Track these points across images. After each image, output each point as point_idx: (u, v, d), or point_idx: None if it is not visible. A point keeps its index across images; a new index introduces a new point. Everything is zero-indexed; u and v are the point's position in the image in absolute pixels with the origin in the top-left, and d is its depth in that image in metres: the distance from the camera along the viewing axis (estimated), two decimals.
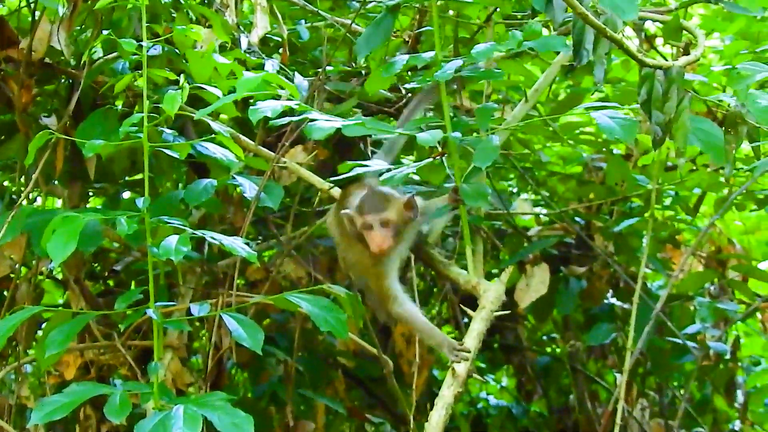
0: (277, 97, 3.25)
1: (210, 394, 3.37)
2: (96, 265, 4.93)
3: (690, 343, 4.91)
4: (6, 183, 4.66)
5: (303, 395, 4.65)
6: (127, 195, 4.80)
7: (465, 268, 3.55)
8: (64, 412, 3.11)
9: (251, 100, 3.31)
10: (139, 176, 4.75)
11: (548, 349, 6.08)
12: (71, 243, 2.93)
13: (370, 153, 4.53)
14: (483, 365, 6.35)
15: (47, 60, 4.10)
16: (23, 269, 4.46)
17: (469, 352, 3.26)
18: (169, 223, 3.20)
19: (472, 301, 3.51)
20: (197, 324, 4.39)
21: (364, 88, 4.15)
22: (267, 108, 3.20)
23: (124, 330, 3.97)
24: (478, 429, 6.31)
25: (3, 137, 4.43)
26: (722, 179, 4.70)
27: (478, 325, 3.42)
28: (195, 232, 3.14)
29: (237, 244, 3.18)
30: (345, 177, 3.52)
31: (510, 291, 4.29)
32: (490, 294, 3.46)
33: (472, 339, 3.39)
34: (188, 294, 4.19)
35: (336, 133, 3.72)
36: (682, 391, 5.24)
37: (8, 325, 3.26)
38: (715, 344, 4.83)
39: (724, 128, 3.48)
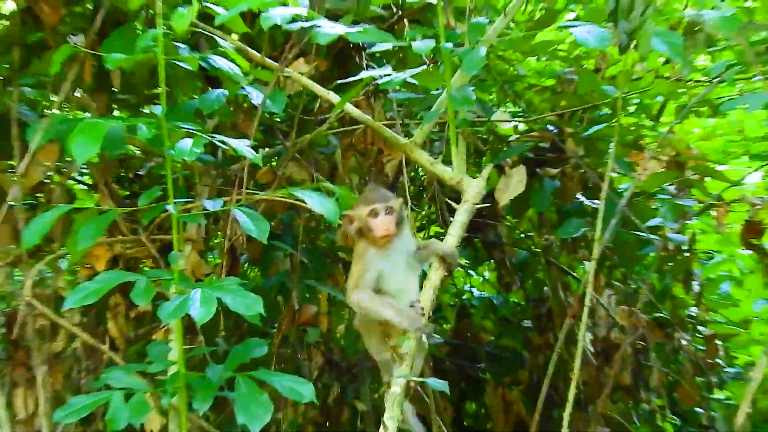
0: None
1: (224, 279, 3.37)
2: (122, 171, 4.90)
3: (652, 236, 4.93)
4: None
5: (307, 285, 4.66)
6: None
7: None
8: (96, 296, 3.11)
9: (259, 17, 3.30)
10: (158, 90, 4.76)
11: (525, 245, 6.07)
12: (94, 145, 2.94)
13: (365, 65, 4.53)
14: (467, 261, 6.39)
15: None
16: (56, 176, 4.46)
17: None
18: (184, 127, 3.19)
19: (457, 202, 3.52)
20: (212, 225, 4.38)
21: (360, 6, 4.14)
22: (277, 15, 3.20)
23: (148, 224, 3.99)
24: (463, 318, 6.35)
25: (35, 55, 4.41)
26: (681, 89, 4.73)
27: (461, 217, 3.44)
28: (206, 135, 3.14)
29: (243, 147, 3.19)
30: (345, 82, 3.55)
31: (491, 193, 4.31)
32: (472, 188, 3.48)
33: (457, 227, 3.41)
34: (204, 193, 4.19)
35: (335, 45, 3.70)
36: (644, 281, 5.24)
37: (44, 221, 3.27)
38: (674, 236, 4.85)
39: (683, 36, 3.49)
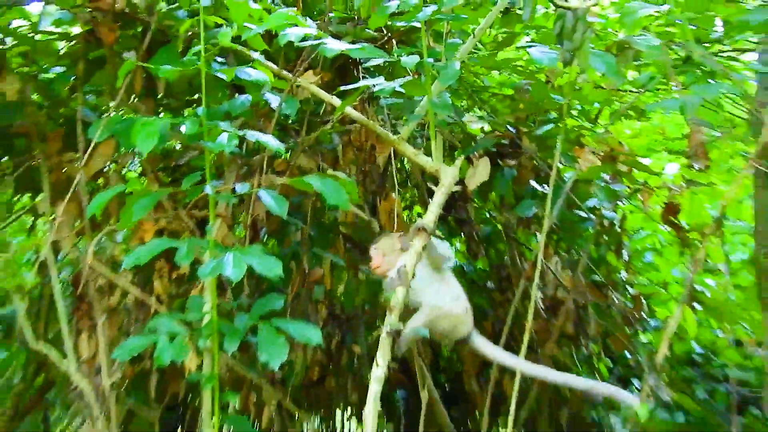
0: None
1: (250, 246, 3.42)
2: (165, 161, 4.93)
3: (590, 215, 5.01)
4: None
5: (315, 253, 4.70)
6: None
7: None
8: (147, 258, 3.17)
9: (275, 38, 3.36)
10: (193, 97, 4.81)
11: (489, 222, 6.09)
12: (154, 138, 3.02)
13: (361, 77, 4.58)
14: (443, 235, 6.40)
15: (126, 10, 4.14)
16: (113, 165, 4.50)
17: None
18: (220, 125, 3.25)
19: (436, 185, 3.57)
20: (236, 205, 4.40)
21: (357, 30, 4.19)
22: (292, 34, 3.27)
23: (188, 203, 4.03)
24: None
25: (96, 68, 4.46)
26: (614, 97, 4.78)
27: (438, 198, 3.48)
28: (239, 132, 3.20)
29: (270, 140, 3.25)
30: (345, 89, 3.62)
31: (461, 181, 4.35)
32: (448, 175, 3.52)
33: (435, 206, 3.45)
34: (231, 178, 4.23)
35: (337, 60, 3.75)
36: (584, 251, 5.30)
37: (103, 197, 3.32)
38: (608, 213, 4.93)
39: (615, 54, 3.56)
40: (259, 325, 3.26)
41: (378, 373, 3.09)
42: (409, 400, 5.59)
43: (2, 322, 5.67)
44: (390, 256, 3.56)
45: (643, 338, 5.99)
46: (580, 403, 5.59)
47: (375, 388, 3.08)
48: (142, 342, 3.30)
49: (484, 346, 3.70)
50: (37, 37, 4.49)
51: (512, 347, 4.43)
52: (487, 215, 6.14)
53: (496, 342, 4.63)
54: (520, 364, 3.65)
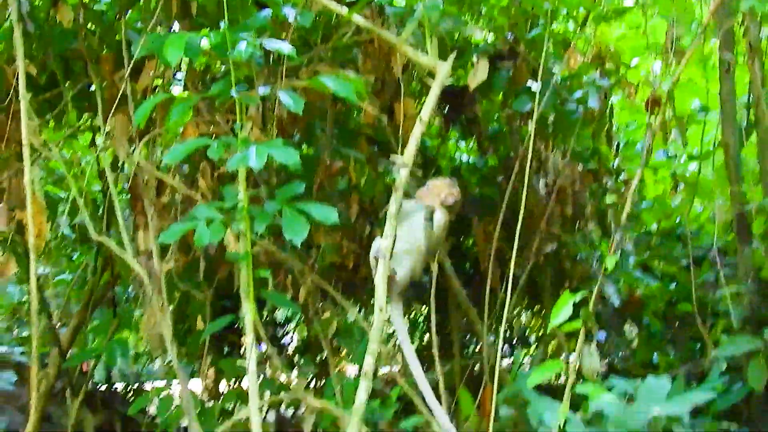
0: None
1: (274, 140, 3.51)
2: (204, 75, 4.97)
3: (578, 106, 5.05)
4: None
5: (338, 150, 4.77)
6: None
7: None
8: (183, 154, 3.30)
9: None
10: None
11: (495, 121, 6.11)
12: (180, 50, 3.17)
13: None
14: (457, 136, 6.44)
15: None
16: (157, 80, 4.57)
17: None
18: (241, 36, 3.31)
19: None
20: (269, 110, 4.44)
21: None
22: None
23: (219, 104, 4.09)
24: (456, 176, 6.35)
25: None
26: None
27: (434, 90, 3.51)
28: (258, 40, 3.26)
29: (284, 46, 3.32)
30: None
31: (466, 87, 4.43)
32: (442, 68, 3.55)
33: (431, 98, 3.48)
34: (259, 84, 4.27)
35: None
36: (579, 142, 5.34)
37: (148, 104, 3.44)
38: (593, 103, 4.92)
39: None
40: (284, 208, 3.37)
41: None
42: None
43: (78, 228, 5.88)
44: None
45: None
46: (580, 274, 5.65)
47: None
48: (183, 227, 3.43)
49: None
50: None
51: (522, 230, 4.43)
52: (494, 116, 6.14)
53: (505, 227, 4.76)
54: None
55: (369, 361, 3.24)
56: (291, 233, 3.24)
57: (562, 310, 2.88)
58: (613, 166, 6.01)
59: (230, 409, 5.45)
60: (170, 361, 4.45)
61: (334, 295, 4.79)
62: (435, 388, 3.91)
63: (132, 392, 7.50)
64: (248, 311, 3.55)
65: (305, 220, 3.29)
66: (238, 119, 3.46)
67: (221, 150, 3.30)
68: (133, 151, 4.42)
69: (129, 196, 4.68)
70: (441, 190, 3.93)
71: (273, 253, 4.36)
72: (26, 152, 3.84)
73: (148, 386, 7.53)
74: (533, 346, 7.20)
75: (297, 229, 3.25)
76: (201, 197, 4.24)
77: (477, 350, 6.41)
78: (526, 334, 7.25)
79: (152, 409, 7.47)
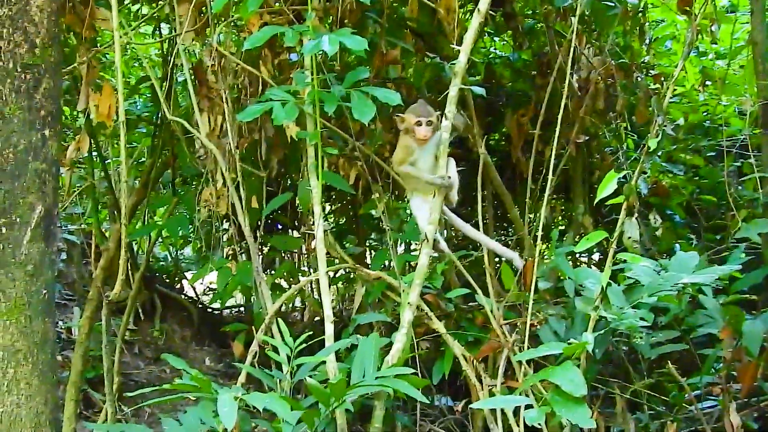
0: None
1: (340, 29, 3.77)
2: None
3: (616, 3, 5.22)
4: None
5: (389, 40, 4.96)
6: None
7: None
8: (261, 41, 3.69)
9: None
10: None
11: (532, 15, 6.23)
12: None
13: None
14: (492, 30, 6.58)
15: None
16: None
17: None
18: None
19: None
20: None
21: None
22: None
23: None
24: (489, 71, 6.51)
25: None
26: None
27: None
28: None
29: None
30: None
31: None
32: None
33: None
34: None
35: None
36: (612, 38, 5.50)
37: None
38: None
39: None
40: (351, 92, 3.66)
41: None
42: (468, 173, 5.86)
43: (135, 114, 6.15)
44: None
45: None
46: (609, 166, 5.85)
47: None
48: (260, 107, 3.72)
49: None
50: None
51: (551, 121, 4.59)
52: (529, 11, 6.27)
53: (535, 119, 4.98)
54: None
55: (431, 230, 3.57)
56: (359, 114, 3.56)
57: (608, 186, 3.17)
58: (644, 62, 6.17)
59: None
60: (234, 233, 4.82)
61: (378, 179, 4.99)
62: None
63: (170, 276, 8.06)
64: (315, 186, 3.87)
65: (371, 102, 3.58)
66: (308, 8, 3.71)
67: (296, 37, 3.59)
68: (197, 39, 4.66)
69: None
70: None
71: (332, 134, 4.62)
72: (116, 36, 4.01)
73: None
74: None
75: (365, 110, 3.55)
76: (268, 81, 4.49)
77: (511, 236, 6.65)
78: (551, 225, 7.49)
79: (191, 292, 8.00)
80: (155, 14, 5.25)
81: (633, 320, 3.32)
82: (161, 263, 8.69)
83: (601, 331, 3.39)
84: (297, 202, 5.19)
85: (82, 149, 4.81)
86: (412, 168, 3.82)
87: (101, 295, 4.99)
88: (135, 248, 7.18)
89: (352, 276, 5.64)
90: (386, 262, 5.30)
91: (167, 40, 5.51)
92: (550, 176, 3.98)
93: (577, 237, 5.86)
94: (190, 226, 5.95)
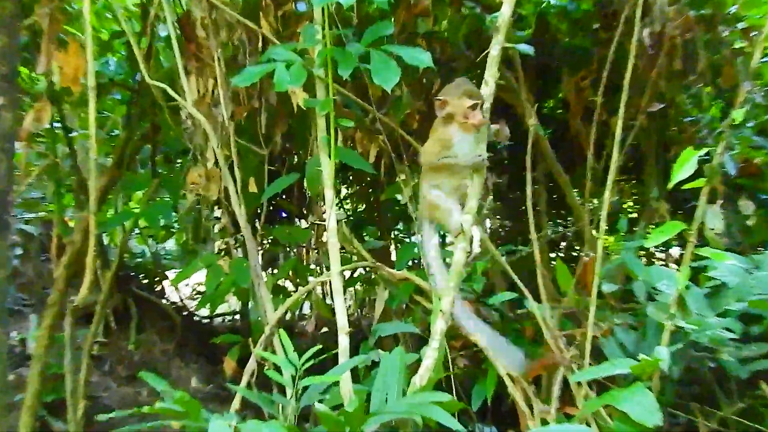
0: None
1: None
2: None
3: None
4: None
5: None
6: None
7: None
8: None
9: None
10: None
11: None
12: None
13: None
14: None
15: None
16: None
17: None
18: None
19: None
20: None
21: None
22: None
23: None
24: (542, 23, 6.46)
25: None
26: None
27: None
28: None
29: None
30: None
31: None
32: None
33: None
34: None
35: None
36: None
37: None
38: None
39: None
40: (371, 52, 3.61)
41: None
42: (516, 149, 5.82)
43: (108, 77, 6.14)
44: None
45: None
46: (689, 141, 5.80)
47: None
48: (260, 69, 3.70)
49: None
50: None
51: (617, 86, 4.57)
52: None
53: (598, 82, 4.94)
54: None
55: (467, 219, 3.54)
56: (381, 78, 3.49)
57: (685, 166, 3.10)
58: (729, 12, 6.09)
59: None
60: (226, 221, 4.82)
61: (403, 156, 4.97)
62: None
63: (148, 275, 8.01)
64: (327, 165, 3.85)
65: (395, 65, 3.54)
66: None
67: None
68: None
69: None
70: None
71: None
72: None
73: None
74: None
75: (388, 74, 3.49)
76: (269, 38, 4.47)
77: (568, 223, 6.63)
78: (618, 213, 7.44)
79: (174, 296, 8.02)
80: None
81: (718, 331, 3.29)
82: (138, 260, 8.64)
83: (679, 345, 3.37)
84: (305, 184, 5.17)
85: (43, 120, 4.80)
86: (446, 159, 3.55)
87: (64, 300, 4.99)
88: (106, 241, 7.21)
89: (372, 276, 5.58)
90: (414, 260, 5.27)
91: None
92: (615, 152, 3.95)
93: (650, 228, 5.79)
94: (174, 214, 5.92)
